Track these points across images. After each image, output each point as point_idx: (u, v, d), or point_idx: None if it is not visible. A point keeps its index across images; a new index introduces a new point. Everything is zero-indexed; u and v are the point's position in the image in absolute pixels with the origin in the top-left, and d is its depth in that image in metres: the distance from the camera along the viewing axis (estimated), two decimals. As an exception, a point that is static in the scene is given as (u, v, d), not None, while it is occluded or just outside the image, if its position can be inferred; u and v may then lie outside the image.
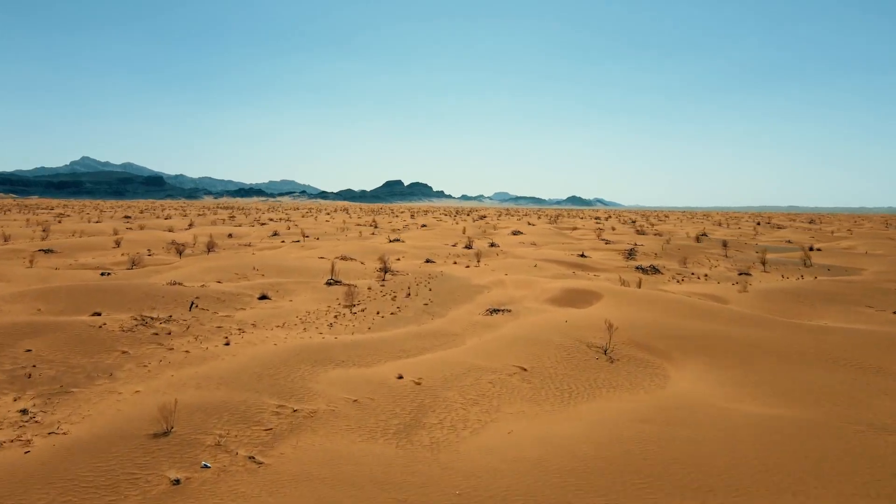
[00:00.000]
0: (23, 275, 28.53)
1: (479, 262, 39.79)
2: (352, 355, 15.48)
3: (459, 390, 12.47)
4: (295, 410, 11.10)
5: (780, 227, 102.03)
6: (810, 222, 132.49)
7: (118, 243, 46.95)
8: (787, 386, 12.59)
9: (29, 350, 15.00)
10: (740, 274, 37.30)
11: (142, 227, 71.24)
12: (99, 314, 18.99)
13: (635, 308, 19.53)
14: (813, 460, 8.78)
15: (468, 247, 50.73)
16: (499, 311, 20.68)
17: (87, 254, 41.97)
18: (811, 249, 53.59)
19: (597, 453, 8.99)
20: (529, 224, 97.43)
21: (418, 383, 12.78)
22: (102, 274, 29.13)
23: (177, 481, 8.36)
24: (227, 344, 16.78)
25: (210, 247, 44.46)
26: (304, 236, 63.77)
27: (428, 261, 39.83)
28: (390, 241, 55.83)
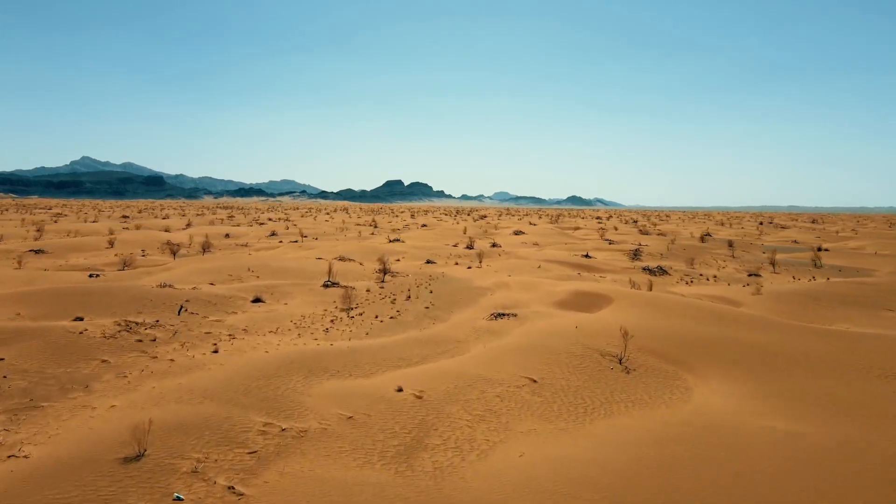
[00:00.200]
0: (8, 276, 27.50)
1: (481, 262, 38.76)
2: (348, 364, 14.45)
3: (464, 405, 11.44)
4: (283, 430, 10.07)
5: (783, 227, 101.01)
6: (813, 222, 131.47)
7: (111, 244, 45.92)
8: (820, 399, 11.55)
9: (1, 359, 13.97)
10: (750, 275, 36.26)
11: (138, 227, 70.22)
12: (81, 319, 17.96)
13: (648, 312, 18.49)
14: (871, 489, 7.76)
15: (469, 247, 49.69)
16: (504, 315, 19.65)
17: (79, 254, 40.95)
18: (819, 250, 52.56)
19: (621, 484, 7.96)
20: (531, 224, 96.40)
21: (419, 397, 11.75)
22: (91, 275, 28.11)
23: (145, 517, 7.34)
24: (216, 351, 15.75)
25: (205, 247, 43.43)
26: (302, 236, 62.74)
27: (428, 261, 38.80)
28: (390, 242, 54.79)
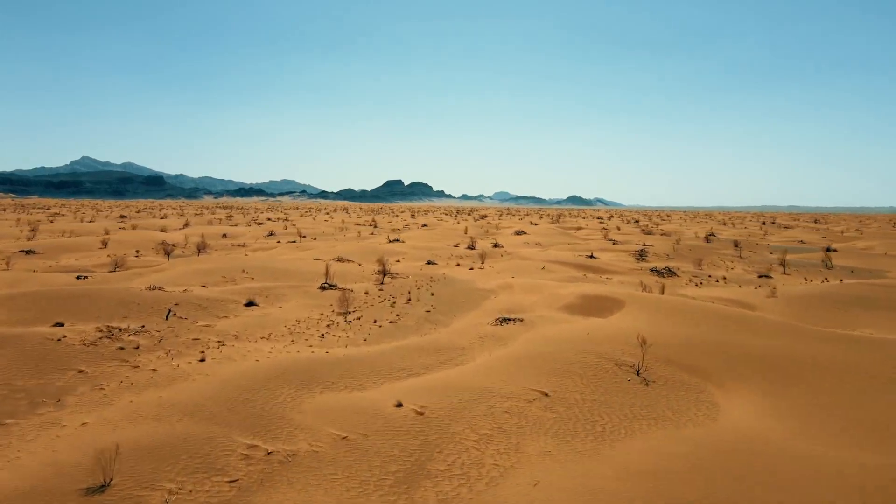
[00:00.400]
0: (-7, 278, 26.45)
1: (483, 263, 37.71)
2: (344, 375, 13.41)
3: (470, 422, 10.39)
4: (269, 453, 9.03)
5: (786, 227, 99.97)
6: (815, 222, 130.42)
7: (105, 244, 44.87)
8: (864, 419, 10.51)
9: (-32, 370, 12.93)
10: (760, 276, 35.22)
11: (134, 227, 69.18)
12: (61, 324, 16.91)
13: (663, 318, 17.43)
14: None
15: (471, 247, 48.65)
16: (509, 320, 18.60)
17: (71, 255, 39.92)
18: (828, 250, 51.50)
19: (654, 521, 6.92)
20: (532, 224, 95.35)
21: (421, 413, 10.71)
22: (78, 277, 27.07)
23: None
24: (203, 360, 14.70)
25: (201, 248, 42.38)
26: (300, 236, 61.71)
27: (429, 262, 37.76)
28: (390, 242, 53.75)
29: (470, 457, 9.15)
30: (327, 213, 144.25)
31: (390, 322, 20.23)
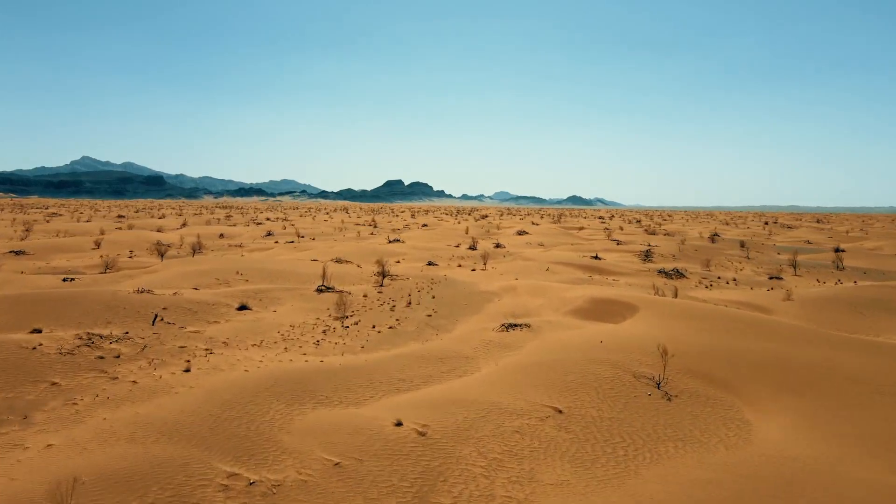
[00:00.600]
0: (-24, 280, 25.43)
1: (485, 264, 36.70)
2: (339, 387, 12.39)
3: (477, 444, 9.37)
4: (252, 483, 8.01)
5: (790, 227, 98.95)
6: (817, 221, 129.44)
7: (98, 244, 43.83)
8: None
9: (-69, 382, 11.92)
10: (770, 278, 34.20)
11: (130, 227, 68.14)
12: (39, 331, 15.89)
13: (679, 323, 16.40)
14: None
15: (472, 248, 47.63)
16: (516, 325, 17.58)
17: (63, 255, 38.90)
18: (837, 251, 50.47)
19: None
20: (533, 224, 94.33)
21: (422, 433, 9.68)
22: (65, 279, 26.04)
23: None
24: (188, 370, 13.68)
25: (196, 248, 41.35)
26: (298, 237, 60.70)
27: (430, 263, 36.74)
28: (390, 242, 52.75)
29: (478, 487, 8.13)
30: (327, 213, 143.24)
31: (389, 327, 19.21)
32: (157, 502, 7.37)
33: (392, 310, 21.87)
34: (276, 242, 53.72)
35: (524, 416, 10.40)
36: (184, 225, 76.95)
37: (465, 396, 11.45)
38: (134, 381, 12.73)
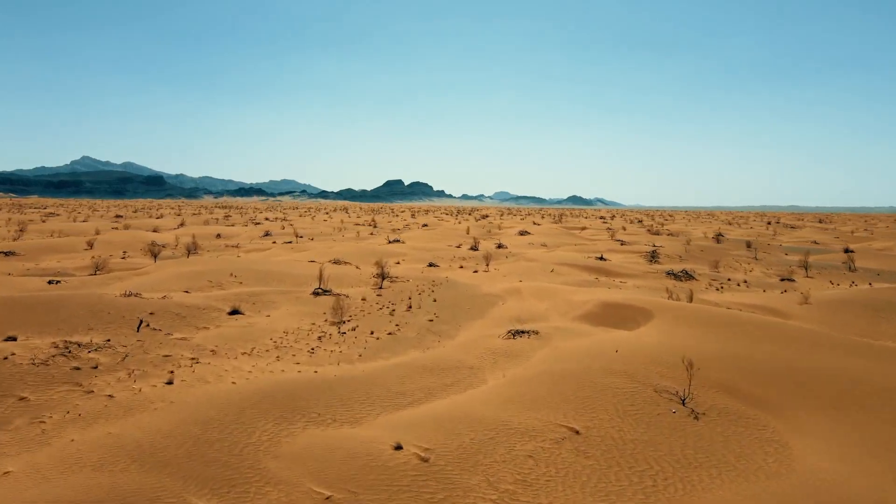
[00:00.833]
0: (-42, 283, 24.40)
1: (487, 265, 35.67)
2: (333, 403, 11.35)
3: (487, 472, 8.34)
4: (229, 522, 6.98)
5: (793, 227, 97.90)
6: (820, 221, 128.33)
7: (91, 245, 42.80)
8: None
9: None
10: (782, 279, 33.15)
11: (126, 227, 67.09)
12: (14, 339, 14.85)
13: (698, 331, 15.35)
14: None
15: (474, 248, 46.60)
16: (523, 332, 16.54)
17: (54, 256, 37.85)
18: (846, 251, 49.46)
19: None
20: (535, 224, 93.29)
21: (425, 459, 8.65)
22: (50, 282, 25.01)
23: None
24: (170, 382, 12.65)
25: (191, 249, 40.32)
26: (296, 237, 59.65)
27: (431, 264, 35.69)
28: (389, 243, 51.71)
29: (489, 525, 7.09)
30: (326, 213, 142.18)
31: (389, 333, 18.17)
32: (117, 548, 6.34)
33: (392, 314, 20.84)
34: (274, 243, 52.70)
35: (538, 438, 9.37)
36: (181, 225, 75.91)
37: (471, 413, 10.42)
38: (110, 396, 11.69)
